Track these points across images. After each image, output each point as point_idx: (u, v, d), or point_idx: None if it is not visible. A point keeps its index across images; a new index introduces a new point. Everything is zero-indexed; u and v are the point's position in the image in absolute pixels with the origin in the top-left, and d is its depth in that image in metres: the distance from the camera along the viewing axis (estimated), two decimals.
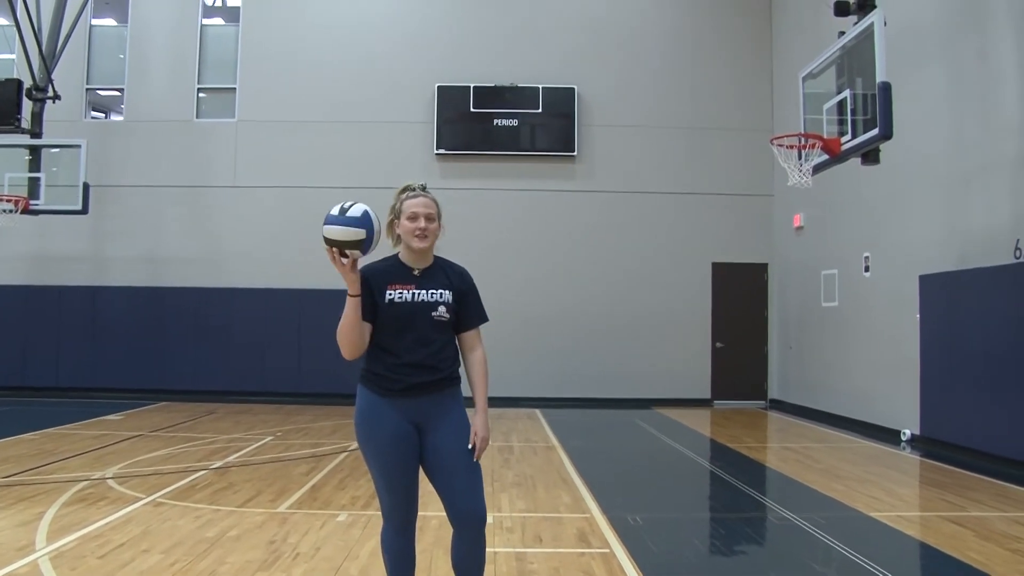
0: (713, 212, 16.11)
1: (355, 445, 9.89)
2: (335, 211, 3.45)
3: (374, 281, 3.64)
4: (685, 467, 9.65)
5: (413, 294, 3.66)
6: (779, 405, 15.63)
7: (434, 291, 3.70)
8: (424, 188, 3.77)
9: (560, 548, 5.64)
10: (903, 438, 10.87)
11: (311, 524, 6.16)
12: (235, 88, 15.99)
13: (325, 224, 3.44)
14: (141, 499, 6.85)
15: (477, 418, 3.72)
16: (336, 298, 12.80)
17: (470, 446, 3.67)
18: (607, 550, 5.57)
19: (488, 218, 15.54)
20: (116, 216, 15.72)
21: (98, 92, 16.57)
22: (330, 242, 3.44)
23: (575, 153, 15.87)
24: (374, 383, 3.66)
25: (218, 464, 8.64)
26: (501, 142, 15.83)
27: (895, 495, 7.63)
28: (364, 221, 3.43)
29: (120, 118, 16.54)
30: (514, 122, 15.76)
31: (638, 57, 16.16)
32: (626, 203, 16.00)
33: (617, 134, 16.03)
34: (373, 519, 6.33)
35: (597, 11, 16.21)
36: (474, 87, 15.72)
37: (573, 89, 15.83)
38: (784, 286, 15.79)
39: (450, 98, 15.73)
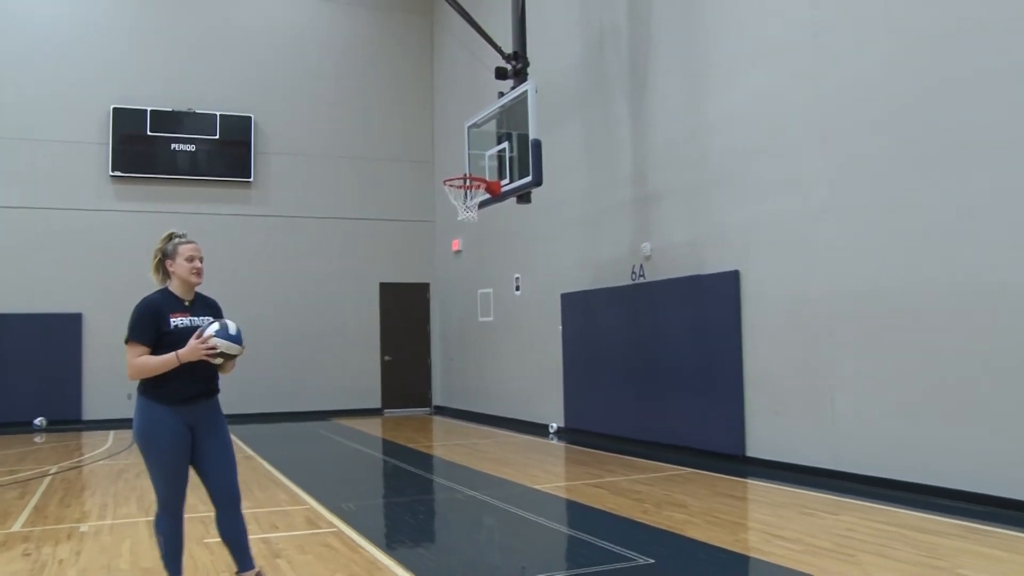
0: (380, 236, 17.65)
1: (56, 468, 10.16)
2: (232, 330, 4.43)
3: (162, 312, 4.46)
4: (374, 465, 10.96)
5: (190, 320, 4.53)
6: (442, 410, 17.49)
7: (203, 317, 4.60)
8: (186, 235, 4.70)
9: (296, 531, 6.62)
10: (551, 430, 13.04)
11: (57, 536, 6.51)
12: None
13: (220, 339, 4.37)
14: None
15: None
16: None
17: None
18: (335, 529, 6.66)
19: None
20: None
21: None
22: (223, 354, 4.40)
23: (251, 179, 16.61)
24: (157, 396, 4.41)
25: None
26: (178, 166, 16.17)
27: (551, 472, 9.51)
28: (241, 338, 4.48)
29: None
30: (192, 147, 16.18)
31: (312, 90, 17.31)
32: (300, 227, 17.04)
33: (292, 162, 17.04)
34: (116, 527, 6.85)
35: (274, 44, 17.14)
36: (151, 111, 15.93)
37: (250, 118, 16.59)
38: (445, 303, 17.70)
39: (126, 120, 15.80)
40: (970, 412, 7.00)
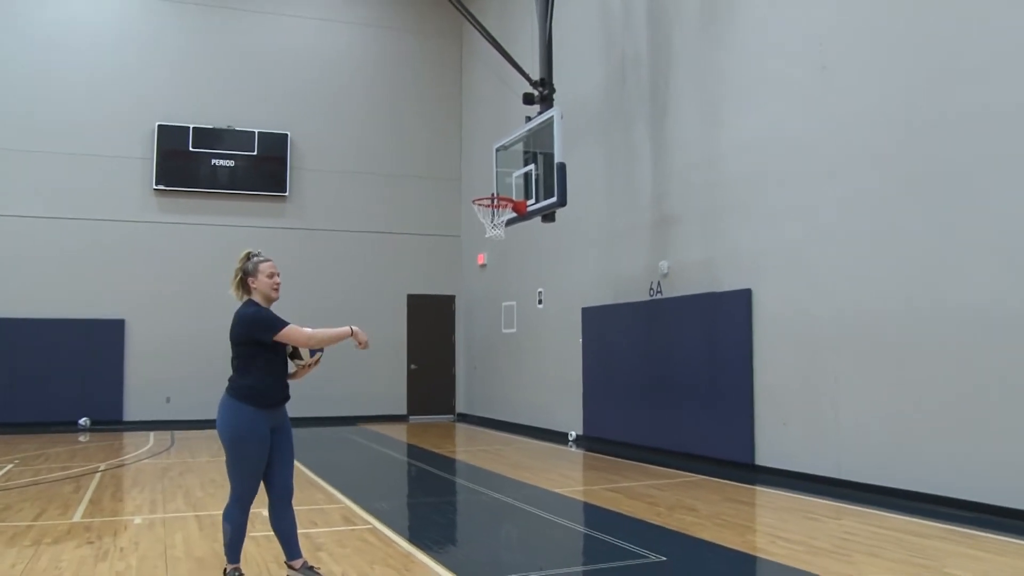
0: (409, 250, 18.30)
1: (104, 466, 10.78)
2: None
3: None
4: (402, 468, 11.54)
5: None
6: (465, 418, 18.06)
7: None
8: (260, 253, 5.23)
9: (334, 527, 7.18)
10: (570, 438, 13.58)
11: (115, 527, 7.10)
12: None
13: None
14: None
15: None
16: (46, 327, 13.32)
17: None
18: (370, 526, 7.21)
19: (204, 252, 16.53)
20: None
21: None
22: (295, 355, 5.15)
23: (287, 193, 17.31)
24: (253, 399, 4.94)
25: None
26: (218, 181, 16.89)
27: (569, 477, 10.05)
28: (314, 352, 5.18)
29: None
30: (231, 162, 16.92)
31: (346, 110, 18.03)
32: (332, 240, 17.71)
33: (325, 178, 17.74)
34: (167, 520, 7.44)
35: (311, 66, 17.89)
36: (193, 128, 16.67)
37: (287, 135, 17.30)
38: (470, 315, 18.28)
39: (170, 137, 16.55)
40: (958, 425, 7.49)
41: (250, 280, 5.11)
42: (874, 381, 8.40)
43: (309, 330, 4.99)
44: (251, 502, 5.06)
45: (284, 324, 4.96)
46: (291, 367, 5.21)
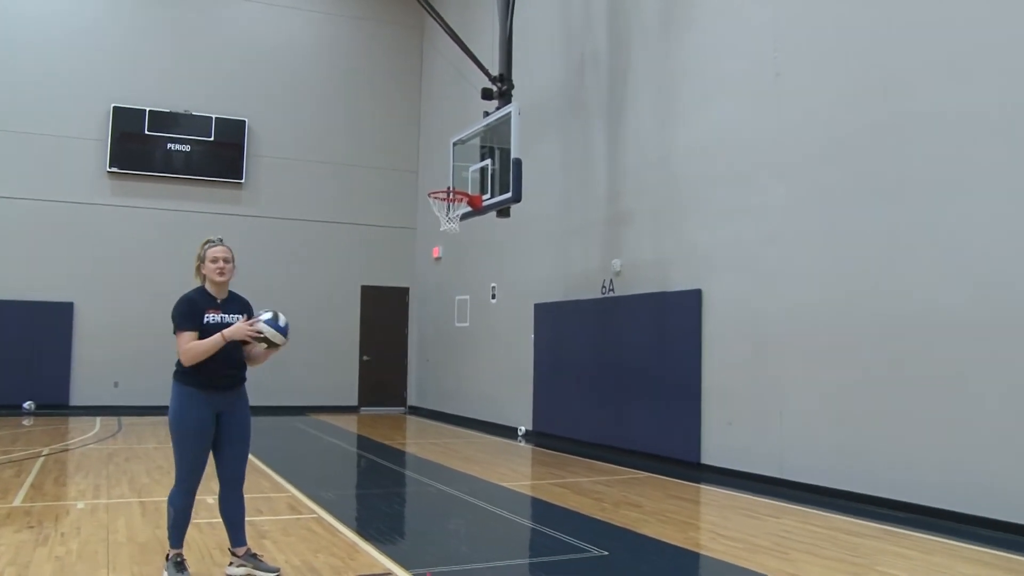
0: (363, 241, 18.25)
1: (48, 450, 10.64)
2: (281, 322, 5.02)
3: (198, 306, 5.02)
4: (351, 458, 11.53)
5: (221, 317, 5.06)
6: (416, 410, 18.07)
7: (234, 315, 5.13)
8: (221, 240, 5.26)
9: (280, 516, 7.16)
10: (519, 433, 13.66)
11: (56, 512, 7.01)
12: None
13: (267, 325, 4.95)
14: None
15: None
16: None
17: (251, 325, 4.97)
18: (315, 515, 7.21)
19: (157, 236, 16.34)
20: None
21: None
22: (266, 340, 4.98)
23: (243, 180, 17.16)
24: (194, 382, 4.95)
25: None
26: (173, 165, 16.70)
27: (517, 472, 10.13)
28: (287, 331, 5.06)
29: None
30: (187, 147, 16.74)
31: (305, 98, 17.93)
32: (288, 229, 17.59)
33: (282, 165, 17.61)
34: (111, 505, 7.38)
35: (270, 52, 17.77)
36: (149, 111, 16.46)
37: (244, 121, 17.15)
38: (423, 308, 18.29)
39: (125, 119, 16.33)
40: (898, 427, 7.68)
41: (201, 267, 5.14)
42: (818, 383, 8.58)
43: (190, 346, 4.87)
44: (195, 487, 5.03)
45: (184, 329, 4.92)
46: (258, 347, 5.14)
